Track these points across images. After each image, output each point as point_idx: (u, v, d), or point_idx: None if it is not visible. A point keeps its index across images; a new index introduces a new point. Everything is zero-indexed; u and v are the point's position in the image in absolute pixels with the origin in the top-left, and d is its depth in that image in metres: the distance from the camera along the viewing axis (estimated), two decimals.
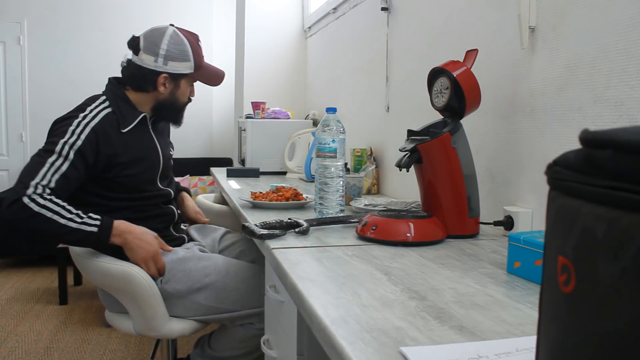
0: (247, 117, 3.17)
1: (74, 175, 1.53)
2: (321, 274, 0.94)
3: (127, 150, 1.63)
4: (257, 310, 1.66)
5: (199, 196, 2.45)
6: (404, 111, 2.06)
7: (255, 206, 1.68)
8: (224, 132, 5.11)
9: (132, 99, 1.70)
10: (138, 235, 1.55)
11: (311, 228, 1.30)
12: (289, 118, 3.15)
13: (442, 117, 1.36)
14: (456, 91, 1.27)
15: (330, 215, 1.47)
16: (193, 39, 1.74)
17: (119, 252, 1.58)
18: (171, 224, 1.79)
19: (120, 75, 1.74)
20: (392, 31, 2.14)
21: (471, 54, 1.32)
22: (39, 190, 1.46)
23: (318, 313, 0.75)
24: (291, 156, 2.81)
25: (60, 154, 1.51)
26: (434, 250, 1.15)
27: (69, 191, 1.54)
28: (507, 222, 1.29)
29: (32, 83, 4.75)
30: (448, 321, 0.72)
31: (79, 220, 1.49)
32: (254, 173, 2.69)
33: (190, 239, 1.89)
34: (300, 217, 1.34)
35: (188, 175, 4.52)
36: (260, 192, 1.75)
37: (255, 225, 1.25)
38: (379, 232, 1.19)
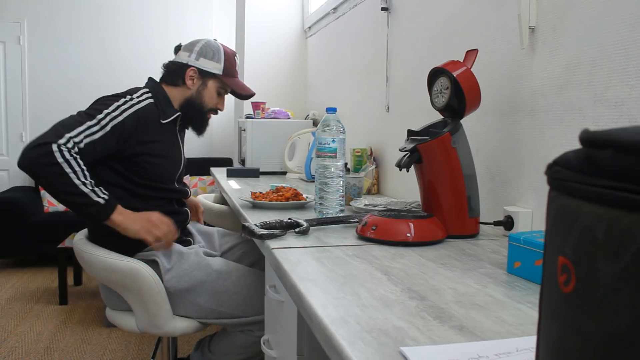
0: (247, 117, 3.17)
1: (101, 147, 1.57)
2: (321, 274, 0.94)
3: (160, 141, 1.69)
4: (258, 318, 1.66)
5: (199, 196, 2.45)
6: (404, 111, 2.06)
7: (255, 206, 1.68)
8: (224, 132, 5.11)
9: (168, 94, 1.77)
10: (136, 215, 1.57)
11: (311, 228, 1.30)
12: (289, 118, 3.15)
13: (442, 117, 1.36)
14: (456, 91, 1.27)
15: (330, 215, 1.47)
16: (230, 51, 1.84)
17: (124, 248, 1.61)
18: (182, 225, 1.80)
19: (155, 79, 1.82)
20: (392, 31, 2.14)
21: (471, 54, 1.32)
22: (70, 145, 1.50)
23: (318, 313, 0.75)
24: (291, 156, 2.81)
25: (99, 122, 1.56)
26: (434, 250, 1.15)
27: (91, 159, 1.57)
28: (507, 222, 1.29)
29: (32, 83, 4.76)
30: (448, 321, 0.72)
31: (90, 187, 1.51)
32: (254, 173, 2.69)
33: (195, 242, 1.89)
34: (300, 217, 1.34)
35: (188, 175, 4.52)
36: (260, 192, 1.75)
37: (255, 225, 1.25)
38: (379, 232, 1.19)
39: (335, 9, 2.88)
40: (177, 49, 1.84)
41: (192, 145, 5.05)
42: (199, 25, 4.93)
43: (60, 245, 3.35)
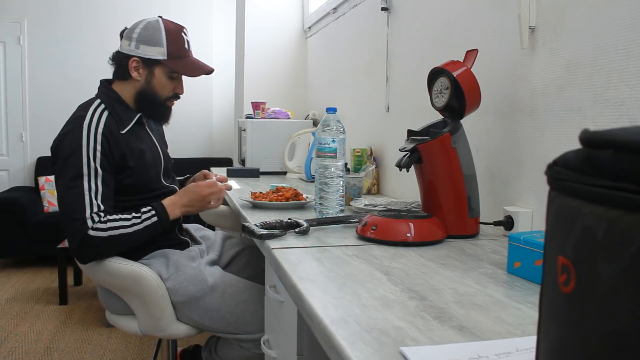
0: (247, 117, 3.17)
1: (109, 181, 1.55)
2: (321, 274, 0.94)
3: (132, 151, 1.62)
4: (252, 337, 1.62)
5: None
6: (404, 111, 2.06)
7: (255, 206, 1.68)
8: (224, 132, 5.11)
9: (121, 93, 1.67)
10: (185, 202, 1.64)
11: (311, 228, 1.30)
12: (289, 118, 3.15)
13: (442, 117, 1.36)
14: (456, 91, 1.27)
15: (330, 215, 1.47)
16: (175, 28, 1.69)
17: (126, 253, 1.61)
18: (176, 225, 1.77)
19: (107, 79, 1.73)
20: (392, 31, 2.14)
21: (471, 54, 1.32)
22: (96, 219, 1.50)
23: (318, 313, 0.75)
24: (291, 156, 2.81)
25: (89, 175, 1.50)
26: (434, 250, 1.15)
27: (112, 195, 1.57)
28: (507, 222, 1.29)
29: (32, 83, 4.76)
30: (448, 321, 0.72)
31: (139, 220, 1.55)
32: (254, 173, 2.69)
33: (195, 242, 1.87)
34: (300, 217, 1.34)
35: (188, 175, 4.52)
36: (260, 192, 1.75)
37: (255, 225, 1.25)
38: (379, 232, 1.19)
39: (335, 9, 2.88)
40: (122, 34, 1.69)
41: (192, 145, 5.06)
42: (198, 26, 4.93)
43: (60, 245, 3.35)
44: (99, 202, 1.51)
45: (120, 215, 1.53)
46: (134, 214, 1.55)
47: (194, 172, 2.02)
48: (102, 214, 1.50)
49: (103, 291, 1.73)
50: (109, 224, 1.50)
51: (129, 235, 1.53)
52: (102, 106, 1.61)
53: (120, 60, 1.67)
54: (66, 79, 4.79)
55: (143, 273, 1.57)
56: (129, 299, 1.64)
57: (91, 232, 1.48)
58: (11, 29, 4.69)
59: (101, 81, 1.72)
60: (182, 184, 1.89)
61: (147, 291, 1.57)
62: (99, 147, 1.53)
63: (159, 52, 1.64)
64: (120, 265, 1.58)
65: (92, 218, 1.49)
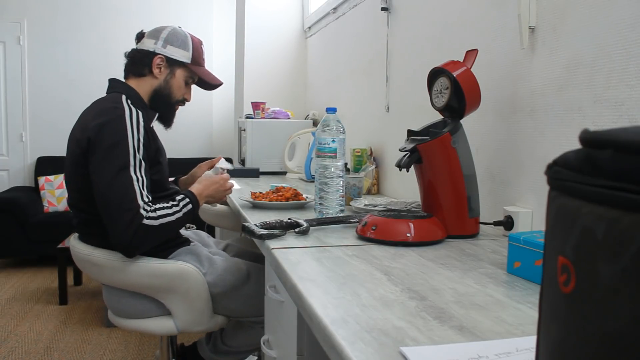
0: (247, 117, 3.17)
1: (148, 173, 1.56)
2: (321, 274, 0.94)
3: (156, 148, 1.64)
4: None
5: None
6: (404, 111, 2.06)
7: (255, 206, 1.68)
8: (224, 132, 5.11)
9: (137, 90, 1.69)
10: (210, 191, 1.67)
11: (311, 228, 1.30)
12: (289, 118, 3.15)
13: (442, 117, 1.36)
14: (456, 91, 1.27)
15: (330, 215, 1.47)
16: (197, 39, 1.77)
17: (153, 253, 1.61)
18: None
19: (117, 78, 1.73)
20: (392, 31, 2.14)
21: (471, 54, 1.32)
22: (147, 208, 1.50)
23: (318, 313, 0.75)
24: (291, 156, 2.81)
25: (135, 165, 1.50)
26: (434, 250, 1.15)
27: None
28: (507, 222, 1.29)
29: (32, 83, 4.76)
30: (448, 321, 0.72)
31: (177, 208, 1.55)
32: (254, 173, 2.69)
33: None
34: (300, 217, 1.34)
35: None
36: (260, 192, 1.75)
37: (255, 225, 1.25)
38: (379, 232, 1.19)
39: (335, 9, 2.88)
40: (140, 36, 1.74)
41: (192, 145, 5.06)
42: (199, 26, 4.93)
43: (60, 245, 3.35)
44: (146, 191, 1.51)
45: (161, 205, 1.53)
46: (172, 203, 1.55)
47: None
48: (150, 204, 1.51)
49: (116, 298, 1.68)
50: (158, 212, 1.51)
51: (173, 223, 1.53)
52: (130, 100, 1.61)
53: (141, 56, 1.69)
54: (66, 79, 4.79)
55: (189, 269, 1.60)
56: (167, 298, 1.63)
57: (146, 222, 1.47)
58: (11, 29, 4.69)
59: (114, 79, 1.72)
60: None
61: (193, 287, 1.60)
62: (141, 139, 1.53)
63: (184, 55, 1.71)
64: (165, 265, 1.59)
65: (144, 208, 1.48)
